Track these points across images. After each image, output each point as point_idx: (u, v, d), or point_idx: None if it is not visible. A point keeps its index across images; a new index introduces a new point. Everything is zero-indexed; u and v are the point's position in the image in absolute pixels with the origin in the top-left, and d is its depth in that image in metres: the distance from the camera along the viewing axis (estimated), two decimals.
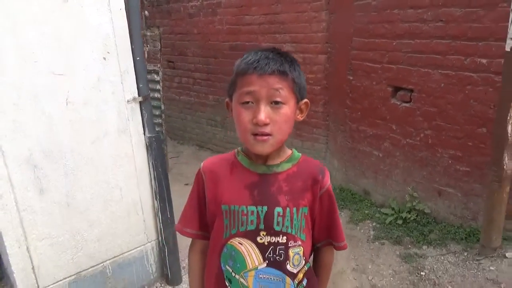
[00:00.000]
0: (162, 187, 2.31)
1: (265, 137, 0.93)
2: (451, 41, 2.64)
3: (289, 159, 1.03)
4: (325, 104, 3.84)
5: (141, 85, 2.15)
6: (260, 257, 0.98)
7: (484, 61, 2.50)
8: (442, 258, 2.60)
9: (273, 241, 0.98)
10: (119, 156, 2.14)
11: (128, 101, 2.11)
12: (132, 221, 2.27)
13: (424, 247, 2.75)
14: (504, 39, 2.20)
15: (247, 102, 0.93)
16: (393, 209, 3.17)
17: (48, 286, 2.00)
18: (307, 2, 3.68)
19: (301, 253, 1.01)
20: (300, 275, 1.02)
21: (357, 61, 3.35)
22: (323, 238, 1.08)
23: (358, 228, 3.13)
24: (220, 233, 1.02)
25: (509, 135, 2.25)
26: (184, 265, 2.63)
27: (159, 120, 3.96)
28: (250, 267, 0.98)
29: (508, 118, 2.23)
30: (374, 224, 3.14)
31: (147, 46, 4.11)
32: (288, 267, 0.99)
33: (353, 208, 3.41)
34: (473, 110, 2.62)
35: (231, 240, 1.00)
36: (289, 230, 0.98)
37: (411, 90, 2.98)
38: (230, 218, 1.00)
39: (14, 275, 1.88)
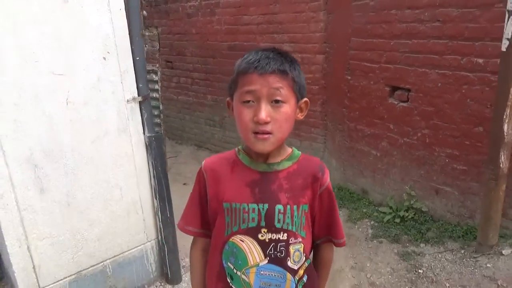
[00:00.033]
0: (161, 187, 2.32)
1: (266, 136, 0.94)
2: (448, 41, 2.67)
3: (289, 157, 1.04)
4: (323, 104, 3.86)
5: (140, 85, 2.16)
6: (262, 254, 1.00)
7: (480, 61, 2.53)
8: (440, 255, 2.62)
9: (274, 238, 0.99)
10: (119, 155, 2.15)
11: (128, 100, 2.12)
12: (132, 220, 2.28)
13: (422, 245, 2.78)
14: (500, 39, 2.22)
15: (248, 101, 0.94)
16: (391, 207, 3.19)
17: (49, 285, 2.01)
18: (305, 2, 3.69)
19: (302, 249, 1.03)
20: (301, 272, 1.04)
21: (355, 61, 3.37)
22: (323, 235, 1.09)
23: (356, 226, 3.15)
24: (221, 230, 1.04)
25: (505, 134, 2.28)
26: (183, 264, 2.65)
27: (157, 120, 3.95)
28: (252, 264, 1.00)
29: (504, 117, 2.25)
30: (372, 222, 3.16)
31: (145, 46, 4.11)
32: (289, 263, 1.01)
33: (351, 207, 3.43)
34: (470, 109, 2.65)
35: (232, 238, 1.01)
36: (290, 227, 1.00)
37: (409, 90, 3.00)
38: (232, 215, 1.01)
39: (15, 274, 1.88)
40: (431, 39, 2.76)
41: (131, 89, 2.12)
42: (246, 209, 0.99)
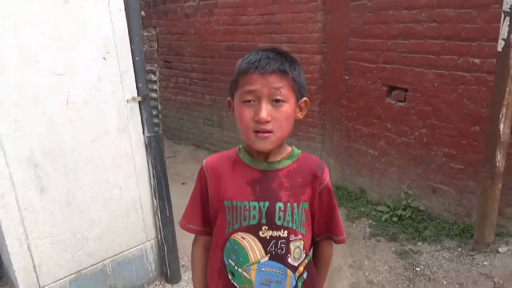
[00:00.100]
0: (161, 186, 2.33)
1: (266, 134, 0.96)
2: (445, 41, 2.69)
3: (289, 156, 1.06)
4: (321, 104, 3.88)
5: (140, 85, 2.17)
6: (262, 250, 1.01)
7: (477, 61, 2.56)
8: (437, 254, 2.65)
9: (274, 235, 1.01)
10: (118, 155, 2.16)
11: (127, 100, 2.13)
12: (132, 219, 2.30)
13: (419, 243, 2.80)
14: (496, 40, 2.25)
15: (249, 101, 0.96)
16: (388, 206, 3.22)
17: (49, 284, 2.02)
18: (303, 3, 3.71)
19: (302, 246, 1.04)
20: (301, 268, 1.06)
21: (353, 61, 3.39)
22: (323, 232, 1.11)
23: (354, 225, 3.17)
24: (223, 228, 1.05)
25: (501, 133, 2.30)
26: (183, 263, 2.66)
27: (156, 120, 3.97)
28: (253, 261, 1.01)
29: (500, 116, 2.27)
30: (370, 221, 3.19)
31: (144, 46, 4.12)
32: (289, 260, 1.02)
33: (349, 206, 3.45)
34: (467, 109, 2.67)
35: (233, 235, 1.03)
36: (290, 225, 1.02)
37: (406, 90, 3.02)
38: (233, 213, 1.03)
39: (16, 273, 1.89)
40: (428, 39, 2.79)
41: (131, 89, 2.14)
42: (247, 207, 1.01)
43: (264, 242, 1.01)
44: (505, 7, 2.15)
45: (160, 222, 2.38)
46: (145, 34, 4.30)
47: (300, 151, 1.09)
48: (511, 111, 2.27)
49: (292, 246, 1.02)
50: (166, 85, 5.58)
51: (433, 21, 2.73)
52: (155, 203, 2.35)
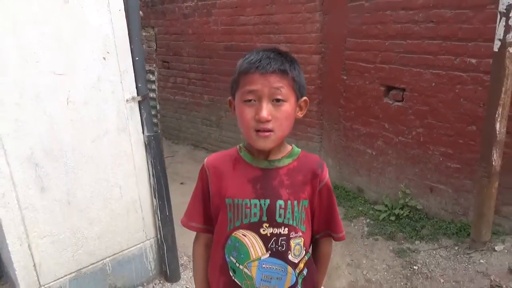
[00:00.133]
0: (160, 185, 2.34)
1: (267, 133, 0.97)
2: (442, 41, 2.72)
3: (289, 154, 1.08)
4: (319, 104, 3.90)
5: (140, 85, 2.18)
6: (263, 247, 1.03)
7: (473, 61, 2.58)
8: (434, 252, 2.67)
9: (275, 232, 1.02)
10: (118, 154, 2.17)
11: (127, 100, 2.14)
12: (131, 219, 2.31)
13: (417, 242, 2.82)
14: (492, 40, 2.27)
15: (250, 100, 0.97)
16: (386, 205, 3.24)
17: (49, 283, 2.03)
18: (301, 3, 3.73)
19: (302, 243, 1.06)
20: (301, 265, 1.07)
21: (351, 61, 3.41)
22: (322, 230, 1.13)
23: (352, 224, 3.19)
24: (224, 226, 1.07)
25: (497, 132, 2.33)
26: (182, 262, 2.67)
27: (154, 120, 3.98)
28: (254, 258, 1.03)
29: (497, 116, 2.30)
30: (368, 220, 3.21)
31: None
32: (290, 257, 1.04)
33: (347, 205, 3.48)
34: (463, 109, 2.70)
35: (235, 232, 1.04)
36: (291, 222, 1.03)
37: (403, 90, 3.05)
38: (234, 211, 1.04)
39: (16, 272, 1.90)
40: (425, 40, 2.81)
41: (131, 89, 2.15)
42: (248, 205, 1.03)
43: (265, 239, 1.03)
44: (501, 7, 2.17)
45: (160, 221, 2.39)
46: (144, 34, 4.30)
47: (300, 149, 1.11)
48: (507, 110, 2.30)
49: (292, 243, 1.04)
50: (165, 85, 5.58)
51: (430, 21, 2.76)
52: (154, 203, 2.36)
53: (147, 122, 2.26)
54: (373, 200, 3.46)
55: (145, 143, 2.26)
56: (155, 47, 4.52)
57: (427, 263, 2.58)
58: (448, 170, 2.87)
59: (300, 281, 1.08)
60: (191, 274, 2.61)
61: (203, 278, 1.18)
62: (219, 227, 1.09)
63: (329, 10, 3.57)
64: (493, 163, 2.38)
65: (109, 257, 2.25)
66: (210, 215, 1.12)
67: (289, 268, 1.04)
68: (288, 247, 1.03)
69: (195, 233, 1.20)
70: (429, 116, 2.90)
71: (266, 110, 0.96)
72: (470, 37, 2.57)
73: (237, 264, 1.05)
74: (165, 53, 5.40)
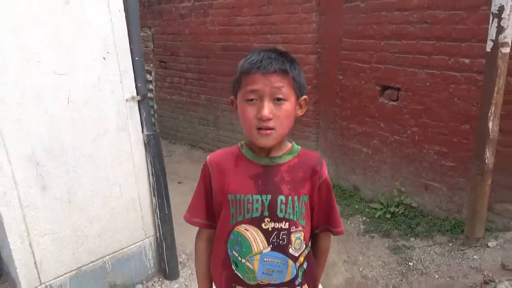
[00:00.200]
0: (160, 184, 2.37)
1: (269, 131, 1.01)
2: (436, 42, 2.77)
3: (290, 152, 1.11)
4: (316, 103, 3.93)
5: (139, 84, 2.21)
6: (265, 241, 1.06)
7: (467, 61, 2.63)
8: (429, 249, 2.72)
9: (276, 227, 1.06)
10: (118, 153, 2.19)
11: (127, 100, 2.16)
12: (131, 217, 2.33)
13: (412, 239, 2.87)
14: (485, 40, 2.32)
15: (252, 99, 1.01)
16: (382, 203, 3.29)
17: (50, 281, 2.05)
18: (298, 4, 3.77)
19: (302, 238, 1.10)
20: (301, 258, 1.11)
21: (347, 61, 3.46)
22: (321, 224, 1.16)
23: (348, 222, 3.23)
24: (226, 221, 1.10)
25: (490, 131, 2.37)
26: (181, 260, 2.70)
27: (152, 120, 4.00)
28: (256, 251, 1.06)
29: (489, 114, 2.35)
30: (364, 218, 3.25)
31: None
32: (291, 250, 1.07)
33: (343, 203, 3.52)
34: (457, 108, 2.75)
35: (237, 227, 1.08)
36: (291, 217, 1.07)
37: (398, 89, 3.10)
38: (236, 206, 1.07)
39: (17, 270, 1.92)
40: (420, 40, 2.86)
41: (130, 89, 2.17)
42: (250, 200, 1.06)
43: (267, 233, 1.06)
44: (493, 9, 2.22)
45: (159, 220, 2.41)
46: (141, 34, 4.32)
47: (300, 147, 1.14)
48: (499, 109, 2.35)
49: (293, 237, 1.07)
50: (162, 85, 5.60)
51: (424, 22, 2.81)
52: (154, 201, 2.39)
53: (146, 121, 2.29)
54: (369, 198, 3.51)
55: (144, 142, 2.29)
56: (152, 47, 4.53)
57: (422, 260, 2.63)
58: (443, 168, 2.92)
59: (300, 274, 1.11)
60: (189, 272, 2.64)
61: (206, 273, 1.21)
62: (222, 222, 1.12)
63: (325, 10, 3.61)
64: (486, 161, 2.42)
65: (109, 255, 2.27)
66: (212, 211, 1.15)
67: (290, 262, 1.08)
68: (289, 241, 1.07)
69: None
70: (424, 115, 2.95)
71: (267, 109, 0.99)
72: (464, 37, 2.62)
73: (240, 258, 1.08)
74: (162, 53, 5.41)
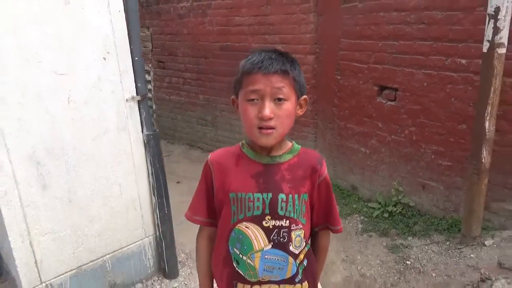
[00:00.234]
0: (159, 184, 2.38)
1: (270, 131, 1.03)
2: (433, 42, 2.79)
3: (290, 151, 1.13)
4: (314, 103, 3.95)
5: (139, 84, 2.22)
6: (266, 239, 1.08)
7: (463, 61, 2.66)
8: (426, 248, 2.74)
9: (277, 224, 1.08)
10: (118, 153, 2.20)
11: (127, 100, 2.18)
12: (131, 216, 2.34)
13: (409, 238, 2.89)
14: (481, 41, 2.34)
15: (253, 99, 1.03)
16: (379, 203, 3.31)
17: (50, 280, 2.06)
18: (296, 4, 3.79)
19: (302, 235, 1.11)
20: (301, 256, 1.13)
21: (345, 61, 3.48)
22: (321, 222, 1.18)
23: (347, 221, 3.25)
24: (227, 219, 1.11)
25: (486, 130, 2.39)
26: (180, 259, 2.71)
27: (151, 120, 4.01)
28: (257, 249, 1.08)
29: (486, 114, 2.37)
30: (362, 217, 3.28)
31: None
32: (291, 248, 1.09)
33: (341, 203, 3.54)
34: (454, 108, 2.77)
35: (238, 225, 1.09)
36: (292, 215, 1.09)
37: (396, 89, 3.12)
38: (238, 204, 1.09)
39: (18, 269, 1.93)
40: (417, 41, 2.88)
41: (130, 89, 2.18)
42: (252, 198, 1.08)
43: (267, 231, 1.08)
44: (490, 10, 2.24)
45: (159, 219, 2.42)
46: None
47: (300, 146, 1.16)
48: (495, 109, 2.37)
49: (293, 234, 1.09)
50: (160, 85, 5.61)
51: (421, 23, 2.83)
52: (153, 200, 2.40)
53: (146, 121, 2.30)
54: (367, 198, 3.53)
55: (144, 142, 2.30)
56: (150, 47, 4.55)
57: (419, 258, 2.65)
58: (440, 168, 2.94)
59: (300, 271, 1.13)
60: (189, 271, 2.65)
61: (207, 270, 1.23)
62: (223, 220, 1.13)
63: (323, 11, 3.63)
64: (483, 160, 2.45)
65: (108, 254, 2.28)
66: (213, 209, 1.17)
67: (290, 259, 1.10)
68: (289, 239, 1.09)
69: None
70: (421, 115, 2.97)
71: (268, 109, 1.01)
72: (461, 38, 2.64)
73: (241, 255, 1.10)
74: (161, 53, 5.42)
